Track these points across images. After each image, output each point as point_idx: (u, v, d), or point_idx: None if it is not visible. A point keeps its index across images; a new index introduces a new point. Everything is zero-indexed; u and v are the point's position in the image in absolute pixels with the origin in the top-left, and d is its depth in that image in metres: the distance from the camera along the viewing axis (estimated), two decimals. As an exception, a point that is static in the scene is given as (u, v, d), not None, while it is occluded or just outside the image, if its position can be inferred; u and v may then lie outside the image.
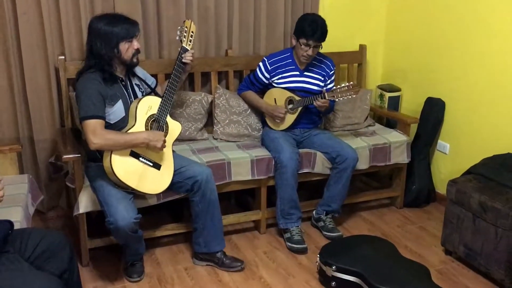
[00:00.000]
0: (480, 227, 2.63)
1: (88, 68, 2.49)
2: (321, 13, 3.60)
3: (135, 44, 2.50)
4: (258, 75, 3.17)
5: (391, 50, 3.92)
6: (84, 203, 2.59)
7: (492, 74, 3.10)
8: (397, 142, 3.33)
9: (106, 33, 2.44)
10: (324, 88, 3.12)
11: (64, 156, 2.54)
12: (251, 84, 3.23)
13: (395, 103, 3.75)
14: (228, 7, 3.32)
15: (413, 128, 3.52)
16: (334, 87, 3.02)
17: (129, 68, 2.60)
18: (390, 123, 3.69)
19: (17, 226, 2.03)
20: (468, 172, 2.89)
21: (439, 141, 3.54)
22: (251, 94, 3.23)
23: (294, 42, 3.05)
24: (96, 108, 2.41)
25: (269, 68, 3.13)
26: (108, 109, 2.48)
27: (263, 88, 3.22)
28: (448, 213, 2.84)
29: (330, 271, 2.55)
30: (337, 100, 2.99)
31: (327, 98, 2.96)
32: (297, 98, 3.06)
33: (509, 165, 2.78)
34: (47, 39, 2.91)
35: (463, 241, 2.75)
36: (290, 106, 3.09)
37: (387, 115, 3.71)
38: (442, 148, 3.52)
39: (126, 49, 2.48)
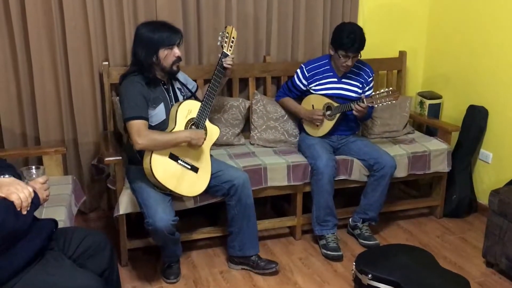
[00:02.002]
0: (524, 239, 2.54)
1: (132, 72, 2.57)
2: (360, 19, 3.59)
3: (176, 51, 2.54)
4: (295, 81, 3.18)
5: (432, 56, 3.85)
6: (124, 205, 2.66)
7: (539, 82, 3.00)
8: (437, 150, 3.26)
9: (146, 39, 2.52)
10: (363, 94, 3.10)
11: (106, 159, 2.62)
12: (288, 90, 3.24)
13: (435, 110, 3.67)
14: (267, 14, 3.36)
15: (454, 136, 3.44)
16: (373, 93, 2.98)
17: (170, 75, 2.65)
18: (430, 131, 3.62)
19: (61, 225, 2.10)
20: (512, 182, 2.81)
21: (481, 150, 3.44)
22: (289, 101, 3.24)
23: (332, 52, 3.03)
24: (140, 109, 2.48)
25: (307, 75, 3.13)
26: (150, 111, 2.54)
27: (300, 95, 3.22)
28: (490, 224, 2.75)
29: (366, 280, 2.51)
30: (376, 106, 2.95)
31: (365, 103, 2.93)
32: (335, 104, 3.05)
33: (556, 176, 2.68)
34: (92, 45, 3.01)
35: (505, 253, 2.66)
36: (328, 112, 3.08)
37: (427, 123, 3.64)
38: (484, 157, 3.42)
39: (165, 56, 2.52)
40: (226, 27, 2.74)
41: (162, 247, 2.63)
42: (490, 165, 3.39)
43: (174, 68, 2.58)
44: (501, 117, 3.28)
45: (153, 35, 2.51)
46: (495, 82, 3.30)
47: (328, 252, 2.94)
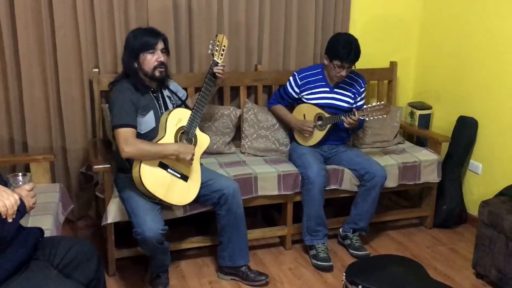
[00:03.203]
0: (514, 250, 2.54)
1: (121, 79, 2.57)
2: (352, 29, 3.61)
3: (157, 56, 2.53)
4: (288, 89, 3.18)
5: (423, 67, 3.87)
6: (113, 213, 2.63)
7: (528, 94, 3.03)
8: (427, 160, 3.27)
9: (128, 44, 2.56)
10: (355, 106, 3.10)
11: (95, 167, 2.59)
12: (280, 98, 3.24)
13: (426, 121, 3.69)
14: (259, 23, 3.36)
15: (445, 147, 3.45)
16: (365, 106, 2.99)
17: (157, 82, 2.63)
18: (421, 142, 3.63)
19: (47, 234, 2.07)
20: (501, 193, 2.81)
21: (471, 161, 3.46)
22: (281, 109, 3.23)
23: (326, 62, 3.03)
24: (129, 116, 2.46)
25: (299, 83, 3.13)
26: (139, 119, 2.53)
27: (292, 103, 3.22)
28: (480, 235, 2.75)
29: (356, 291, 2.49)
30: (367, 119, 2.97)
31: (357, 116, 2.93)
32: (327, 115, 3.05)
33: (545, 187, 2.69)
34: (82, 52, 2.99)
35: (495, 264, 2.66)
36: (319, 122, 3.08)
37: (417, 133, 3.66)
38: (474, 168, 3.44)
39: (145, 60, 2.52)
40: (217, 35, 2.74)
41: (151, 257, 2.59)
42: (480, 176, 3.41)
43: (157, 73, 2.55)
44: (490, 128, 3.30)
45: (134, 40, 2.53)
46: (485, 93, 3.32)
47: (318, 263, 2.92)
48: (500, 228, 2.60)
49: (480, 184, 3.41)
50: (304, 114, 3.14)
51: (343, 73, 2.98)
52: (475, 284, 2.81)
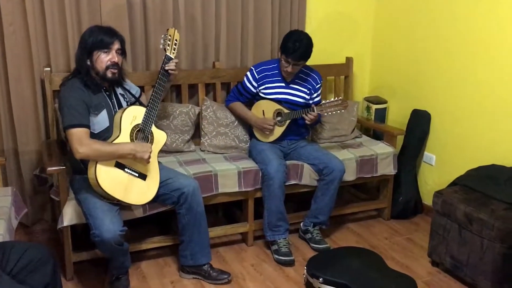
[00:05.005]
0: (466, 238, 2.64)
1: (72, 77, 2.50)
2: (308, 26, 3.65)
3: (111, 56, 2.47)
4: (246, 84, 3.18)
5: (378, 63, 3.96)
6: (69, 216, 2.56)
7: (477, 87, 3.14)
8: (383, 153, 3.35)
9: (83, 40, 2.49)
10: (312, 102, 3.14)
11: (49, 168, 2.51)
12: (239, 94, 3.23)
13: (381, 115, 3.77)
14: (216, 20, 3.34)
15: (400, 140, 3.55)
16: (323, 101, 3.03)
17: (109, 82, 2.56)
18: (377, 135, 3.71)
19: (-1, 239, 2.00)
20: (454, 183, 2.91)
21: (425, 152, 3.57)
22: (240, 106, 3.23)
23: (279, 56, 3.07)
24: (81, 116, 2.40)
25: (257, 77, 3.14)
26: (92, 119, 2.46)
27: (251, 98, 3.22)
28: (435, 225, 2.85)
29: (317, 283, 2.53)
30: (325, 114, 3.01)
31: (316, 112, 2.97)
32: (286, 110, 3.07)
33: (494, 176, 2.80)
34: (33, 51, 2.89)
35: (449, 252, 2.76)
36: (279, 118, 3.10)
37: (373, 127, 3.74)
38: (428, 160, 3.55)
39: (98, 59, 2.46)
40: (168, 29, 2.70)
41: (110, 259, 2.54)
42: (434, 167, 3.52)
43: (109, 74, 2.49)
44: (443, 120, 3.41)
45: (89, 37, 2.46)
46: (436, 87, 3.43)
47: (280, 257, 2.94)
48: (453, 217, 2.70)
49: (434, 175, 3.52)
50: (263, 111, 3.15)
51: (289, 69, 3.00)
52: (431, 272, 2.90)
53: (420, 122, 3.49)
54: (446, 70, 3.34)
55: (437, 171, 3.49)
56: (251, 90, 3.18)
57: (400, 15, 3.69)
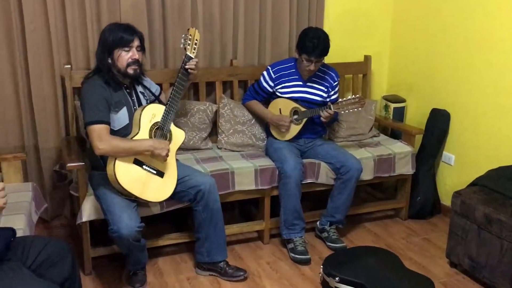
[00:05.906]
0: (485, 239, 2.60)
1: (93, 75, 2.53)
2: (326, 24, 3.63)
3: (131, 53, 2.49)
4: (262, 83, 3.18)
5: (396, 61, 3.92)
6: (88, 212, 2.59)
7: (497, 85, 3.09)
8: (401, 153, 3.32)
9: (103, 40, 2.51)
10: (329, 100, 3.13)
11: (68, 165, 2.54)
12: (255, 93, 3.23)
13: (400, 114, 3.74)
14: (234, 18, 3.35)
15: (418, 139, 3.51)
16: (340, 99, 3.01)
17: (130, 79, 2.59)
18: (395, 134, 3.68)
19: (20, 233, 2.03)
20: (473, 183, 2.87)
21: (444, 152, 3.52)
22: (256, 104, 3.23)
23: (297, 56, 3.05)
24: (102, 113, 2.43)
25: (273, 76, 3.14)
26: (112, 116, 2.49)
27: (267, 97, 3.22)
28: (453, 225, 2.81)
29: (333, 283, 2.52)
30: (342, 112, 2.99)
31: (333, 110, 2.96)
32: (303, 109, 3.06)
33: (515, 177, 2.76)
34: (54, 48, 2.93)
35: (468, 253, 2.73)
36: (295, 116, 3.09)
37: (392, 126, 3.70)
38: (447, 160, 3.50)
39: (119, 57, 2.48)
40: (188, 29, 2.71)
41: (127, 255, 2.56)
42: (452, 167, 3.47)
43: (130, 71, 2.51)
44: (462, 120, 3.36)
45: (109, 35, 2.48)
46: (456, 86, 3.38)
47: (296, 256, 2.94)
48: (472, 218, 2.66)
49: (453, 175, 3.48)
50: (280, 109, 3.14)
51: (312, 67, 2.99)
52: (448, 273, 2.87)
53: (439, 121, 3.45)
54: (465, 68, 3.30)
55: (456, 171, 3.45)
56: (267, 90, 3.18)
57: (418, 12, 3.65)
